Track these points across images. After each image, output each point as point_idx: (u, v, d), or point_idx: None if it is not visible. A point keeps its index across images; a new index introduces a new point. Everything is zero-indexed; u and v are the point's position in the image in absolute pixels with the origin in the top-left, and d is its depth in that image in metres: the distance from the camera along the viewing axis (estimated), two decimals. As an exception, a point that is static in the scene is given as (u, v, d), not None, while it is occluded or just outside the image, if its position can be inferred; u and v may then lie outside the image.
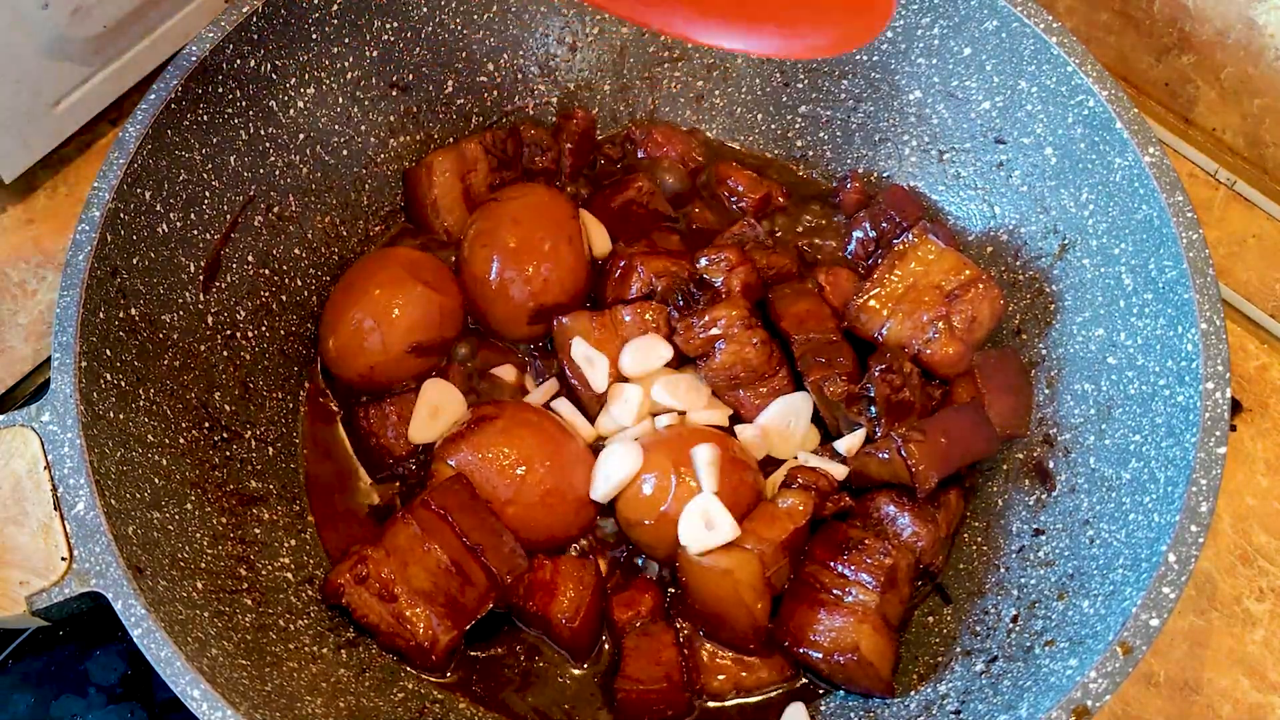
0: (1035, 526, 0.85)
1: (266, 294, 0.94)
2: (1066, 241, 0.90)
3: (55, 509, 0.74)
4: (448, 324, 0.96)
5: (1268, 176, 1.10)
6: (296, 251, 0.96)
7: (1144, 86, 1.14)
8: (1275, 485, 0.97)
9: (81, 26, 0.97)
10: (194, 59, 0.86)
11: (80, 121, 1.05)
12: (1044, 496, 0.86)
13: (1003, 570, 0.85)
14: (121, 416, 0.80)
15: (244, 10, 0.88)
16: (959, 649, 0.83)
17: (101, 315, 0.80)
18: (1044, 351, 0.90)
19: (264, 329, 0.93)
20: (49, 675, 0.89)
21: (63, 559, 0.73)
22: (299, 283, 0.96)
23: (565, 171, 1.03)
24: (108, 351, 0.81)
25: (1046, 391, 0.89)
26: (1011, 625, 0.81)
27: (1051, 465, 0.87)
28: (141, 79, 1.07)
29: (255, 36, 0.89)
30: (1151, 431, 0.80)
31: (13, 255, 1.04)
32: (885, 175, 1.01)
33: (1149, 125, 0.84)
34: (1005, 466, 0.90)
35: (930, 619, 0.86)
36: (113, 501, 0.75)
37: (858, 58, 0.98)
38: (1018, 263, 0.93)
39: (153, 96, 0.85)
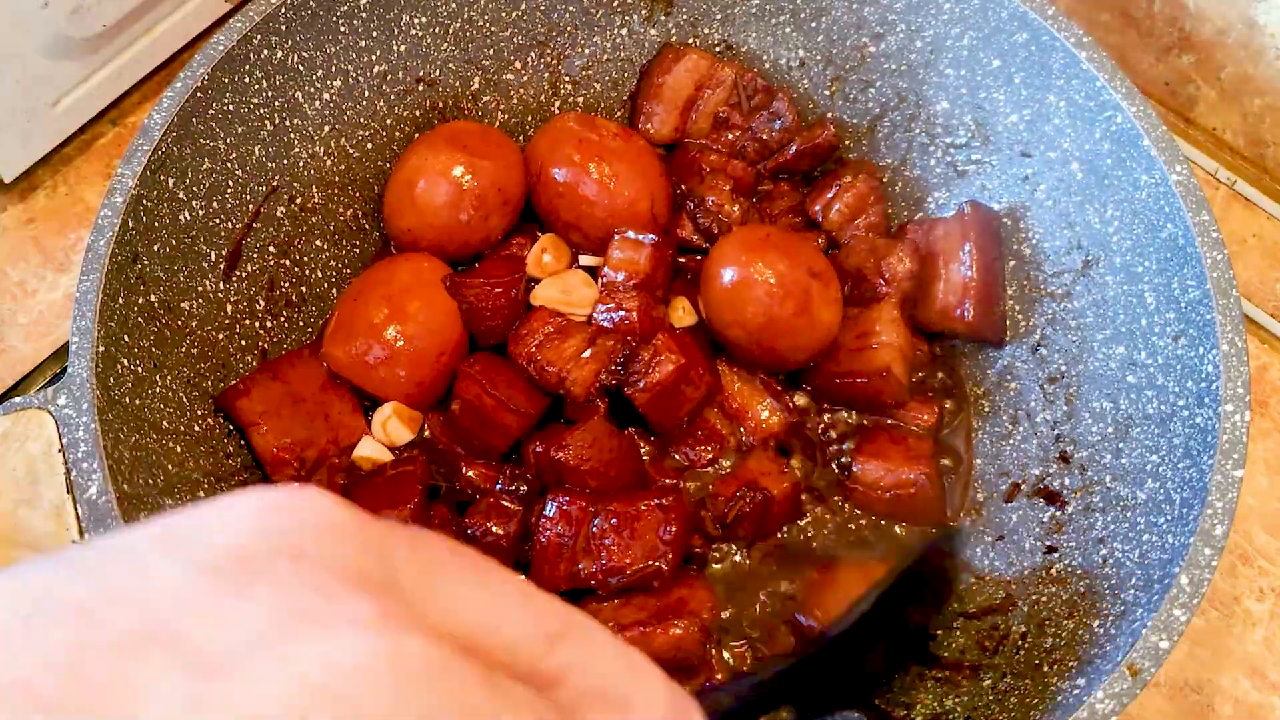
0: (1048, 544, 0.85)
1: (286, 285, 0.94)
2: (1090, 258, 0.89)
3: (68, 492, 0.74)
4: (497, 202, 0.94)
5: (1268, 176, 1.10)
6: (318, 243, 0.96)
7: (1144, 86, 1.13)
8: (1275, 485, 0.96)
9: (81, 26, 0.97)
10: (222, 48, 0.86)
11: (80, 121, 1.06)
12: (1057, 514, 0.86)
13: (1014, 586, 0.85)
14: (137, 402, 0.81)
15: (273, 1, 0.88)
16: (967, 664, 0.82)
17: (120, 301, 0.80)
18: (1063, 368, 0.90)
19: (283, 320, 0.93)
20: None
21: (73, 542, 0.74)
22: (319, 274, 0.96)
23: (775, 160, 1.01)
24: (125, 337, 0.81)
25: (1065, 408, 0.89)
26: (1020, 642, 0.81)
27: (1065, 483, 0.86)
28: (142, 79, 1.08)
29: (283, 28, 0.89)
30: (1169, 452, 0.79)
31: (13, 255, 1.04)
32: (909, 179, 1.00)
33: (1176, 143, 0.84)
34: (1020, 484, 0.89)
35: (939, 633, 0.86)
36: (125, 487, 0.75)
37: (886, 66, 0.98)
38: (1040, 278, 0.92)
39: (179, 84, 0.85)
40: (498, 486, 0.87)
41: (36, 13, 0.93)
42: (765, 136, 1.00)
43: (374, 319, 0.89)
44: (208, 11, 1.07)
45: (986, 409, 0.94)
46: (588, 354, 0.87)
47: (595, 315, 0.90)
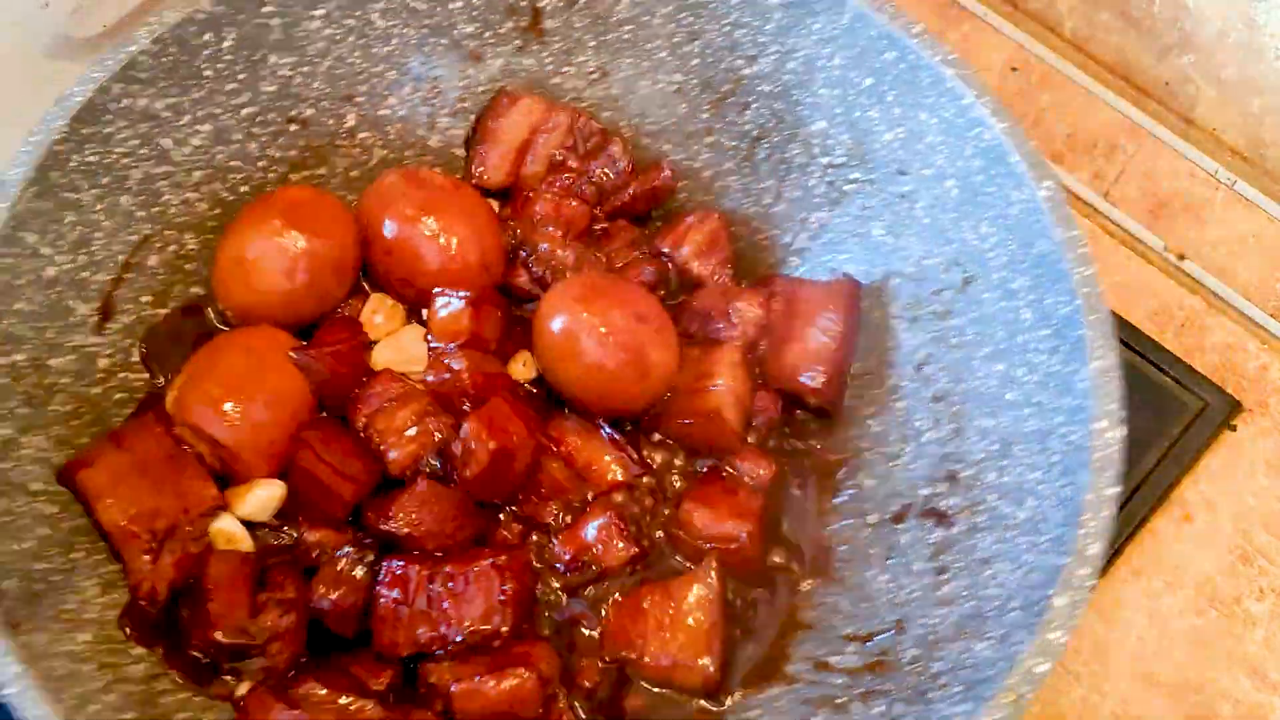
0: (938, 565, 0.85)
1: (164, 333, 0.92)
2: (969, 275, 0.89)
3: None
4: (334, 269, 0.93)
5: (1268, 176, 1.11)
6: (196, 290, 0.94)
7: (1144, 86, 1.15)
8: (1275, 485, 0.98)
9: (81, 26, 0.98)
10: (78, 99, 0.85)
11: None
12: (946, 534, 0.85)
13: (906, 608, 0.84)
14: (5, 466, 0.79)
15: (130, 49, 0.86)
16: (860, 690, 0.82)
17: (-18, 364, 0.79)
18: (948, 386, 0.90)
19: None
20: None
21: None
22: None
23: (612, 204, 1.01)
24: (-11, 400, 0.79)
25: (950, 427, 0.89)
26: (911, 665, 0.80)
27: (953, 503, 0.86)
28: None
29: (144, 75, 0.88)
30: (1048, 470, 0.79)
31: None
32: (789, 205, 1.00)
33: (1045, 159, 0.84)
34: (910, 504, 0.89)
35: (833, 659, 0.85)
36: (-8, 555, 0.74)
37: (760, 88, 0.98)
38: (922, 295, 0.92)
39: (36, 138, 0.83)
40: (342, 552, 0.85)
41: (36, 13, 0.94)
42: (602, 180, 1.00)
43: (222, 404, 0.86)
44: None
45: (875, 429, 0.93)
46: (413, 431, 0.86)
47: (426, 378, 0.89)
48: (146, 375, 0.91)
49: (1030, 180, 0.83)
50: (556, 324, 0.90)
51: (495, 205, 1.00)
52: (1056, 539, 0.75)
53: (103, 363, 0.88)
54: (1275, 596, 0.94)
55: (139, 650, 0.81)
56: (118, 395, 0.89)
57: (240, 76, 0.93)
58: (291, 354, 0.89)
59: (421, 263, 0.93)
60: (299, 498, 0.87)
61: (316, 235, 0.91)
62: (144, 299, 0.91)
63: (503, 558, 0.83)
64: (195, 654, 0.82)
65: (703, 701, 0.85)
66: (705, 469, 0.93)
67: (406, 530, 0.83)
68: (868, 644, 0.85)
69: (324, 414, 0.90)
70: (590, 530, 0.88)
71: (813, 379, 0.92)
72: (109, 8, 0.99)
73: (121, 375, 0.89)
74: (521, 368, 0.93)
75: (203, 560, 0.84)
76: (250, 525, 0.87)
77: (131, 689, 0.78)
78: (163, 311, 0.92)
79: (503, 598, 0.82)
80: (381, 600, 0.82)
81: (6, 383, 0.81)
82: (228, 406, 0.86)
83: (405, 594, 0.82)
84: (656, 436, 0.94)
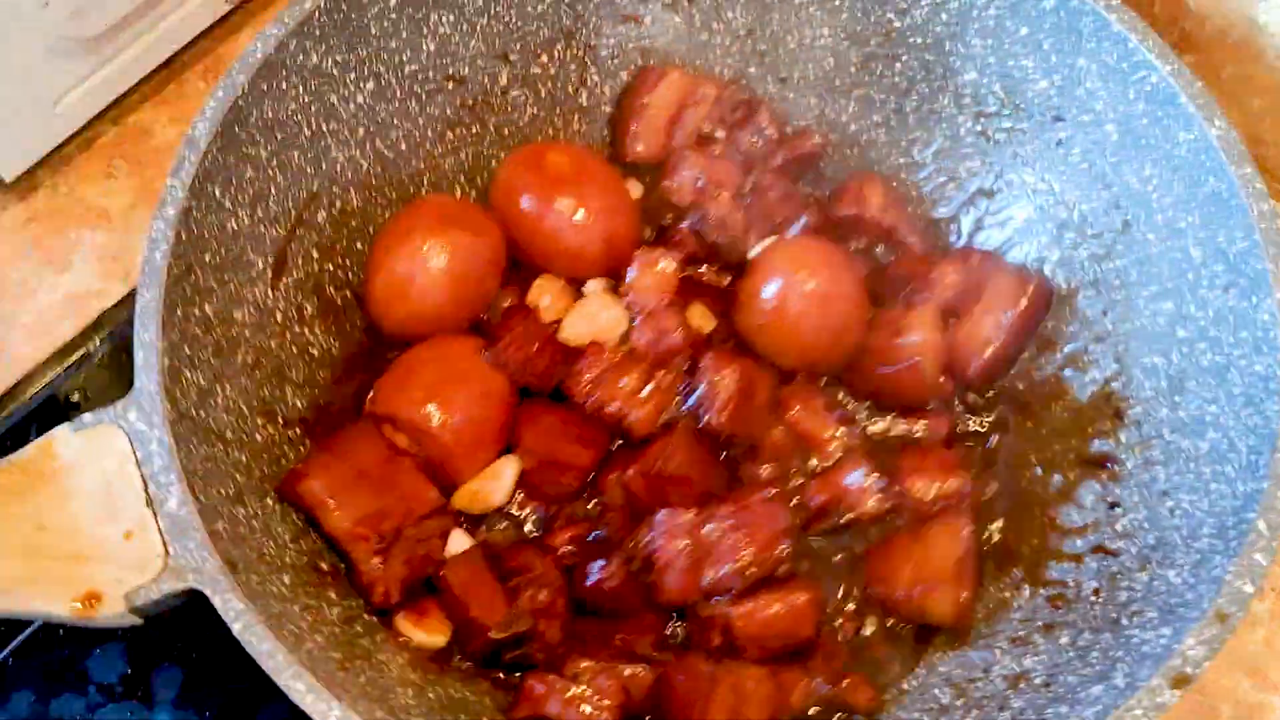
0: (1110, 500, 0.86)
1: (332, 289, 0.94)
2: (1130, 217, 0.90)
3: (148, 506, 0.74)
4: (489, 270, 0.94)
5: (1268, 176, 1.11)
6: (360, 246, 0.96)
7: None
8: None
9: (81, 26, 0.97)
10: (258, 55, 0.86)
11: (80, 121, 1.06)
12: (1116, 469, 0.86)
13: (1079, 543, 0.86)
14: (202, 414, 0.80)
15: (306, 6, 0.88)
16: (1040, 623, 0.83)
17: (179, 313, 0.80)
18: (1110, 327, 0.91)
19: (330, 324, 0.93)
20: (49, 674, 0.89)
21: (158, 556, 0.73)
22: (363, 277, 0.96)
23: (761, 171, 1.01)
24: (186, 349, 0.80)
25: (1115, 366, 0.90)
26: (1094, 598, 0.82)
27: (1121, 439, 0.87)
28: (142, 78, 1.08)
29: (317, 32, 0.89)
30: (1229, 401, 0.80)
31: (13, 255, 1.04)
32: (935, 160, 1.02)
33: (1214, 99, 0.85)
34: (1074, 441, 0.90)
35: (1006, 595, 0.87)
36: (201, 498, 0.75)
37: (911, 40, 0.99)
38: (1080, 239, 0.93)
39: (220, 94, 0.84)
40: (591, 537, 0.87)
41: (37, 13, 0.93)
42: (750, 149, 1.01)
43: (426, 405, 0.88)
44: (208, 11, 1.07)
45: (1033, 372, 0.95)
46: (647, 391, 0.88)
47: (638, 340, 0.91)
48: (319, 331, 0.92)
49: (1200, 120, 0.84)
50: (774, 287, 0.92)
51: (638, 187, 1.02)
52: (1247, 466, 0.76)
53: (279, 316, 0.90)
54: (1275, 596, 0.94)
55: (333, 594, 0.82)
56: (293, 348, 0.90)
57: (404, 34, 0.95)
58: (484, 354, 0.90)
59: (544, 245, 0.95)
60: (530, 476, 0.88)
61: (462, 245, 0.92)
62: (313, 254, 0.93)
63: (773, 491, 0.85)
64: (479, 654, 0.84)
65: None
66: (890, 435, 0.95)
67: (686, 470, 0.85)
68: (1041, 579, 0.86)
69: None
70: (849, 479, 0.89)
71: (970, 365, 0.94)
72: (109, 8, 0.98)
73: (295, 329, 0.91)
74: (700, 320, 0.94)
75: (444, 576, 0.85)
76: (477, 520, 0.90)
77: (333, 630, 0.79)
78: (330, 266, 0.94)
79: (783, 527, 0.83)
80: (664, 553, 0.83)
81: (199, 332, 0.82)
82: (431, 408, 0.88)
83: (686, 541, 0.83)
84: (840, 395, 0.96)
